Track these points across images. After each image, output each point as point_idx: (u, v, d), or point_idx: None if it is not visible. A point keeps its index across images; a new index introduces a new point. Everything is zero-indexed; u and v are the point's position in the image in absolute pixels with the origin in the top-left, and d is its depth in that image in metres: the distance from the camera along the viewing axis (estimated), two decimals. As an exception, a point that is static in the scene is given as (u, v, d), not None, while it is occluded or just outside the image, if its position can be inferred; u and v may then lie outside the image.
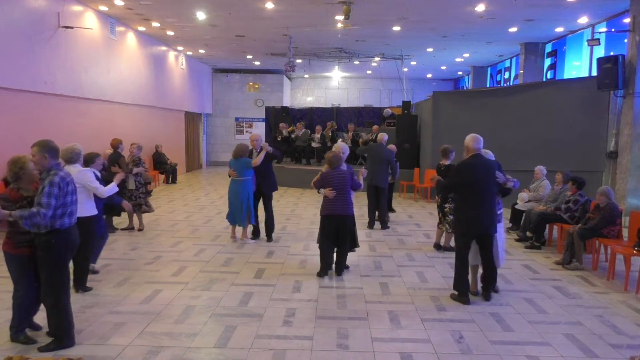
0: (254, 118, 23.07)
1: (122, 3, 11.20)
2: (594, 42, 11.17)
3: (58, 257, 4.10)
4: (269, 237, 8.13)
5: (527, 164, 9.71)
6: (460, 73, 23.91)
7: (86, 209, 5.41)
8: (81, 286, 5.57)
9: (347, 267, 6.57)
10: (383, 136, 9.67)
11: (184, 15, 12.46)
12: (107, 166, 8.17)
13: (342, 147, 6.65)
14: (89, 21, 11.59)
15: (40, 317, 4.45)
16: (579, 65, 13.72)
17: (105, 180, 7.16)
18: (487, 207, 5.37)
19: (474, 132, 5.62)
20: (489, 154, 5.82)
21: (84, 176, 5.44)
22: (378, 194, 9.23)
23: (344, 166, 6.57)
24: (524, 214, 8.49)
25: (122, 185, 8.41)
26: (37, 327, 4.48)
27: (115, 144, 8.71)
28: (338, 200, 6.17)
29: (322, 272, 6.30)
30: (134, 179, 8.58)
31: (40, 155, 4.02)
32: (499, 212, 5.60)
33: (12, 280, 4.30)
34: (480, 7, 11.17)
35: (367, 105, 22.72)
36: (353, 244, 6.54)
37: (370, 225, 9.28)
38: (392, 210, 10.16)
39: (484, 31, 13.89)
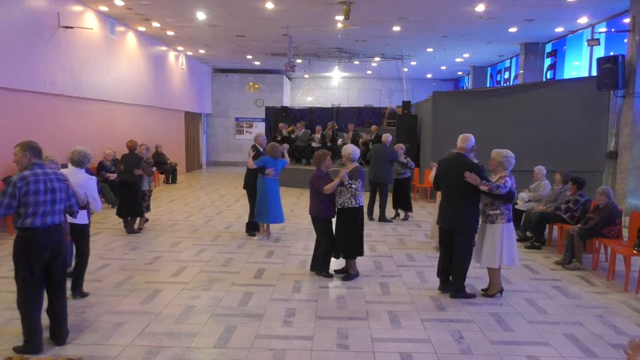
0: (254, 118, 23.07)
1: (122, 3, 11.21)
2: (593, 42, 11.18)
3: (18, 256, 4.08)
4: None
5: (527, 164, 9.70)
6: (460, 73, 23.91)
7: (81, 215, 5.19)
8: (78, 291, 5.42)
9: (345, 274, 6.27)
10: (387, 137, 10.14)
11: (184, 15, 12.46)
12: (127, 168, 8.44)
13: (348, 148, 6.35)
14: (89, 21, 11.59)
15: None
16: (579, 65, 13.72)
17: (126, 181, 7.77)
18: (449, 203, 5.56)
19: (473, 132, 5.80)
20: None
21: (92, 184, 5.37)
22: (378, 190, 9.95)
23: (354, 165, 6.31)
24: (524, 214, 8.48)
25: (137, 186, 8.52)
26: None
27: (132, 146, 8.67)
28: (310, 199, 6.27)
29: (311, 265, 6.49)
30: (147, 181, 8.83)
31: (21, 154, 4.11)
32: (491, 213, 5.40)
33: None
34: (480, 7, 11.17)
35: (367, 105, 22.72)
36: (345, 251, 6.20)
37: (369, 217, 9.91)
38: (410, 210, 10.39)
39: (484, 31, 13.89)
